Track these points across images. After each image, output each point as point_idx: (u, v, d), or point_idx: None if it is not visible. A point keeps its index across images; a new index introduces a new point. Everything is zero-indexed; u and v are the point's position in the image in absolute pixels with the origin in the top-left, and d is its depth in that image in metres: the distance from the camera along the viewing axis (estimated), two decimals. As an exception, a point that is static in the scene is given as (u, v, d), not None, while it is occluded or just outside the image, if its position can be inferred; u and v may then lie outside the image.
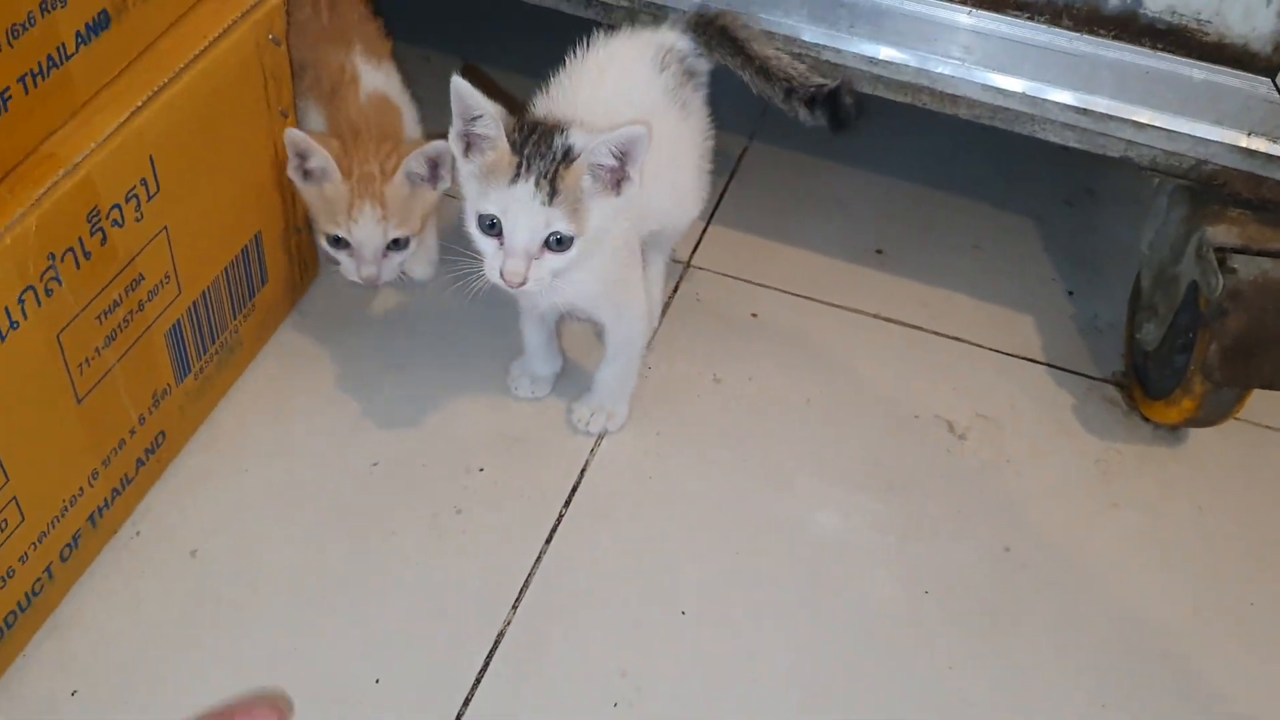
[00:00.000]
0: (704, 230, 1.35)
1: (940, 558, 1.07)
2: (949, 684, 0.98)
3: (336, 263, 1.11)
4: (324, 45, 1.14)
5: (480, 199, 0.92)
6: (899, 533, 1.08)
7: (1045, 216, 1.41)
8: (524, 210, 0.90)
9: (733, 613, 1.01)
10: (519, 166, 0.90)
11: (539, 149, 0.91)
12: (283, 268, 1.15)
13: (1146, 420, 1.19)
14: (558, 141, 0.91)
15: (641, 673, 0.96)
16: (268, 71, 1.02)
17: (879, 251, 1.35)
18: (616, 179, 0.92)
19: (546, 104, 1.02)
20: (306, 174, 1.07)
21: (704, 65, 1.10)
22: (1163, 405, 1.15)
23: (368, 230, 1.07)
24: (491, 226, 0.92)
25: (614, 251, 1.00)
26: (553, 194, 0.90)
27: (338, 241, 1.08)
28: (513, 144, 0.91)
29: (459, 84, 0.91)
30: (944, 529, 1.09)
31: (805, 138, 1.47)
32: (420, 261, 1.20)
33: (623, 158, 0.91)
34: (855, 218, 1.38)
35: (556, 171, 0.90)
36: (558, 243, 0.91)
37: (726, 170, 1.42)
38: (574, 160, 0.90)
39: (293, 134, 1.04)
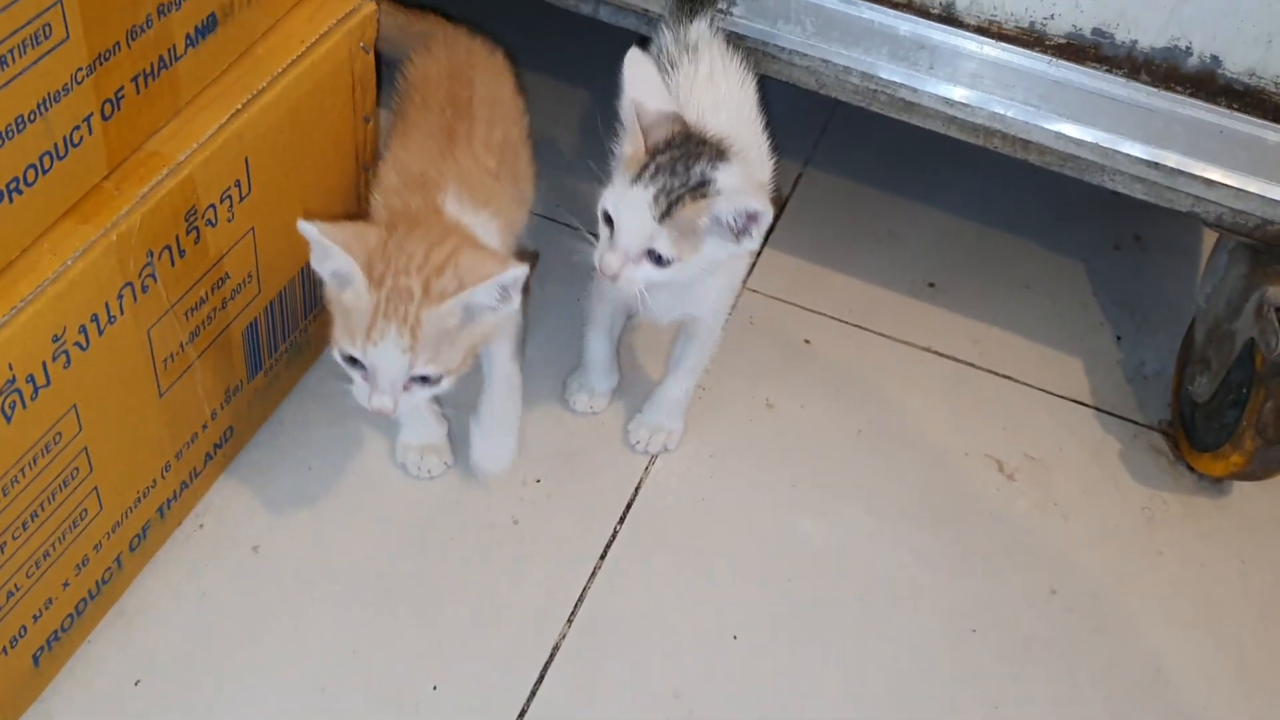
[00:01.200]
0: (759, 254, 1.36)
1: (987, 596, 1.08)
2: (994, 722, 1.00)
3: (348, 381, 0.90)
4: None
5: (607, 188, 0.91)
6: (947, 569, 1.10)
7: (1094, 260, 1.43)
8: (633, 215, 0.89)
9: (783, 640, 1.03)
10: (643, 169, 0.89)
11: (676, 164, 0.89)
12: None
13: (1192, 471, 1.20)
14: (698, 169, 0.89)
15: (694, 695, 0.98)
16: (357, 77, 1.03)
17: (931, 285, 1.36)
18: (737, 233, 0.91)
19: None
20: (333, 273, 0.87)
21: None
22: (1210, 458, 1.17)
23: (387, 357, 0.85)
24: (608, 219, 0.91)
25: (727, 275, 1.01)
26: (666, 215, 0.89)
27: (352, 360, 0.87)
28: (652, 147, 0.89)
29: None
30: (991, 567, 1.10)
31: (859, 167, 1.50)
32: (494, 443, 1.06)
33: (747, 226, 0.90)
34: (908, 249, 1.40)
35: (680, 198, 0.88)
36: (657, 259, 0.90)
37: (780, 196, 1.43)
38: (703, 198, 0.88)
39: (305, 228, 0.84)
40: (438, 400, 1.07)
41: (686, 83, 1.02)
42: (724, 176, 0.90)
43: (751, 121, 1.06)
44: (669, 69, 1.03)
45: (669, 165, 0.89)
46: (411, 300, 0.84)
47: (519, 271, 0.85)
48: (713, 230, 0.90)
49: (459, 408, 1.10)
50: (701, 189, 0.89)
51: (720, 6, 1.09)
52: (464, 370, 0.89)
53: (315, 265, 0.87)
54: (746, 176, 0.93)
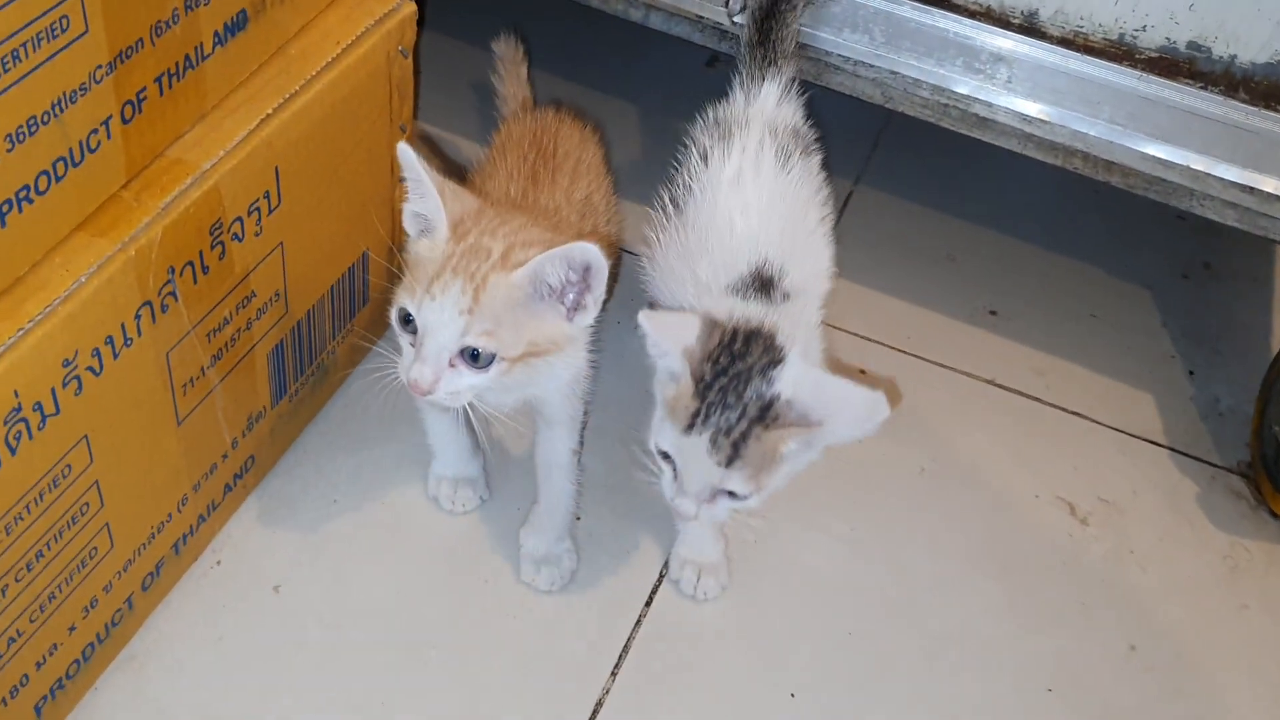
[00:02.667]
0: (809, 276, 1.29)
1: (1062, 653, 1.00)
2: (1074, 793, 0.92)
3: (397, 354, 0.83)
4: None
5: (656, 423, 0.81)
6: (1018, 622, 1.02)
7: (1161, 288, 1.35)
8: (696, 464, 0.78)
9: (843, 700, 0.95)
10: (694, 418, 0.77)
11: (727, 393, 0.77)
12: (383, 288, 1.08)
13: (1275, 517, 1.12)
14: (753, 389, 0.77)
15: (750, 755, 0.90)
16: (394, 84, 0.96)
17: (993, 313, 1.28)
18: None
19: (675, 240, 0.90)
20: (422, 227, 0.83)
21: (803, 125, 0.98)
22: (1296, 503, 1.09)
23: (441, 316, 0.77)
24: (665, 457, 0.81)
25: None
26: (734, 457, 0.77)
27: (407, 320, 0.80)
28: (698, 380, 0.77)
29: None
30: (1065, 621, 1.02)
31: (914, 185, 1.42)
32: (547, 548, 0.97)
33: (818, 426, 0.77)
34: (966, 273, 1.32)
35: (745, 435, 0.76)
36: (732, 494, 0.80)
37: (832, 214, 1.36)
38: (773, 425, 0.76)
39: (405, 153, 0.79)
40: (473, 430, 0.98)
41: (735, 181, 0.91)
42: (788, 386, 0.78)
43: (813, 231, 0.95)
44: (704, 156, 0.93)
45: (719, 400, 0.77)
46: (486, 260, 0.78)
47: (594, 259, 0.76)
48: (797, 452, 0.78)
49: (496, 444, 1.02)
50: (767, 417, 0.77)
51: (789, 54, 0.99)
52: (514, 367, 0.79)
53: (406, 220, 0.83)
54: (814, 372, 0.80)
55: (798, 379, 0.79)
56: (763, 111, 0.97)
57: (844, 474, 1.10)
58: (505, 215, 0.82)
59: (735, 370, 0.78)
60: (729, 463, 0.77)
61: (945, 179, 1.42)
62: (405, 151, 0.79)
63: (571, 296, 0.79)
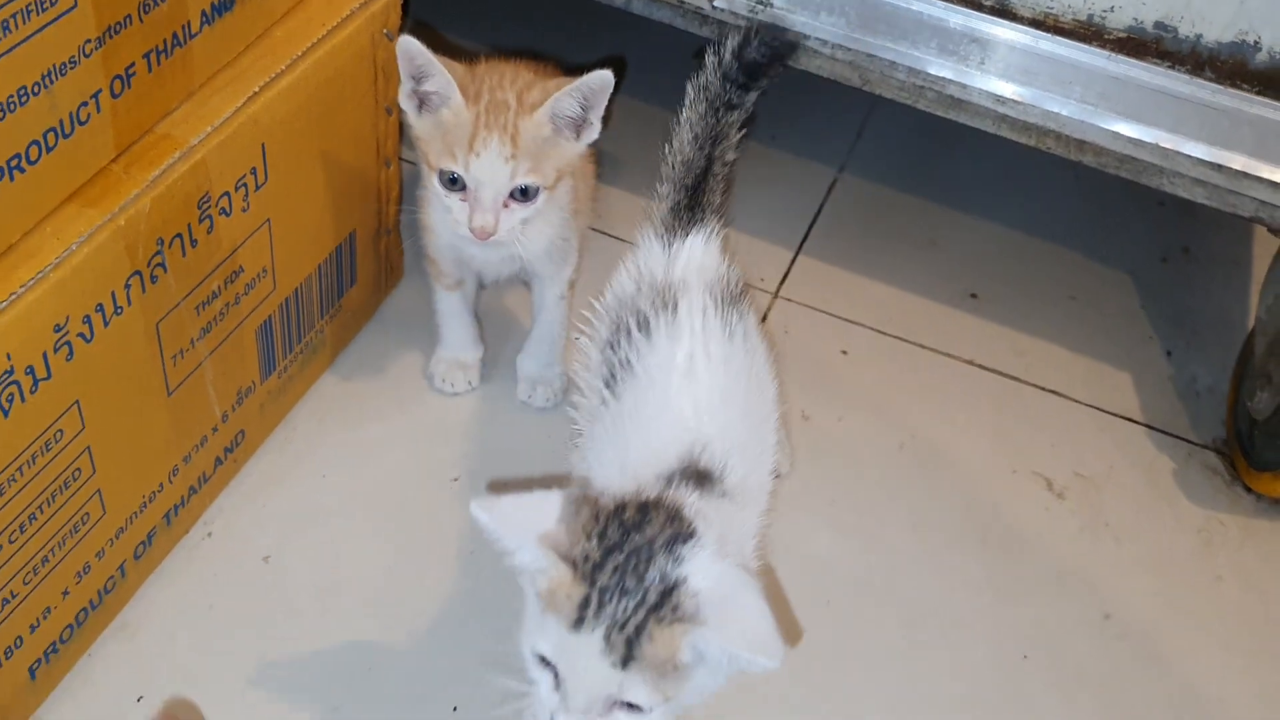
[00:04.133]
0: (792, 261, 1.31)
1: (1038, 622, 1.02)
2: (1047, 756, 0.94)
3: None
4: None
5: (535, 635, 0.67)
6: (995, 593, 1.04)
7: (1140, 272, 1.37)
8: (583, 668, 0.64)
9: (825, 665, 0.97)
10: (582, 608, 0.63)
11: (624, 574, 0.63)
12: (371, 269, 1.11)
13: (1250, 492, 1.14)
14: (656, 570, 0.63)
15: (739, 713, 0.92)
16: (379, 66, 0.99)
17: (973, 295, 1.30)
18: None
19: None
20: (422, 102, 0.91)
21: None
22: (1270, 477, 1.10)
23: (491, 168, 0.88)
24: (544, 663, 0.66)
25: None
26: (629, 658, 0.63)
27: (453, 181, 0.90)
28: (581, 562, 0.64)
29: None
30: (1042, 592, 1.04)
31: (897, 172, 1.44)
32: (539, 372, 1.10)
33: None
34: (947, 258, 1.34)
35: (643, 627, 0.62)
36: (631, 706, 0.65)
37: (816, 201, 1.38)
38: (675, 621, 0.62)
39: (407, 43, 0.87)
40: (478, 321, 1.13)
41: (685, 364, 0.79)
42: (699, 573, 0.65)
43: (765, 418, 0.85)
44: (644, 326, 0.82)
45: (616, 584, 0.63)
46: (509, 110, 0.88)
47: (602, 77, 0.87)
48: (700, 662, 0.64)
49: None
50: (664, 606, 0.63)
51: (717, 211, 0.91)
52: (555, 192, 0.93)
53: (403, 100, 0.90)
54: (734, 571, 0.66)
55: (712, 571, 0.65)
56: (697, 267, 0.86)
57: (825, 450, 1.12)
58: (494, 70, 0.92)
59: (633, 545, 0.65)
60: (625, 663, 0.63)
61: (928, 167, 1.44)
62: (409, 41, 0.87)
63: (582, 116, 0.90)
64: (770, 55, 0.93)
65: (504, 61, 0.95)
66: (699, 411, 0.77)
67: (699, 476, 0.74)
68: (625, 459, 0.77)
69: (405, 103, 0.91)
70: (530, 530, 0.65)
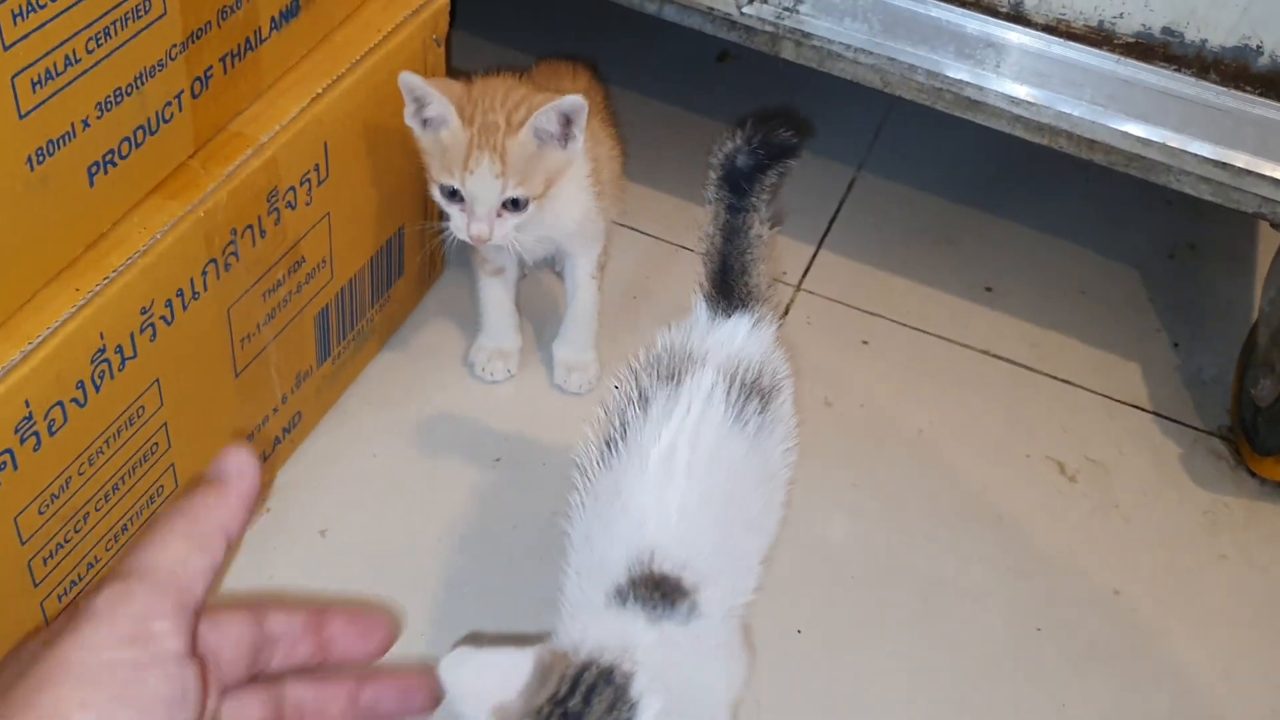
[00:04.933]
0: (814, 255, 1.37)
1: (1050, 596, 1.07)
2: (1060, 720, 0.99)
3: (446, 219, 1.00)
4: None
5: None
6: (1009, 569, 1.09)
7: (1148, 267, 1.42)
8: None
9: (847, 637, 1.02)
10: None
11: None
12: (417, 263, 1.17)
13: (1254, 476, 1.19)
14: None
15: (758, 688, 0.97)
16: (429, 69, 1.05)
17: (988, 289, 1.36)
18: None
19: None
20: (425, 121, 0.99)
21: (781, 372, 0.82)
22: (1273, 462, 1.16)
23: (483, 184, 0.97)
24: None
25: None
26: None
27: (452, 194, 0.99)
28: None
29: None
30: (1054, 568, 1.10)
31: (914, 172, 1.50)
32: (575, 357, 1.17)
33: None
34: (963, 253, 1.40)
35: None
36: None
37: (836, 198, 1.44)
38: None
39: (407, 78, 0.96)
40: (518, 310, 1.19)
41: (667, 452, 0.72)
42: None
43: (754, 535, 0.77)
44: (643, 400, 0.75)
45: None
46: (498, 132, 0.96)
47: (574, 100, 0.95)
48: None
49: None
50: None
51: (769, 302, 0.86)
52: (543, 202, 1.00)
53: (408, 119, 0.98)
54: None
55: None
56: (728, 347, 0.80)
57: (848, 433, 1.18)
58: (489, 89, 0.99)
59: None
60: None
61: (944, 166, 1.50)
62: (409, 77, 0.95)
63: (563, 133, 0.98)
64: (758, 164, 0.85)
65: (501, 79, 1.02)
66: (664, 511, 0.69)
67: (657, 590, 0.67)
68: (584, 566, 0.72)
69: (410, 121, 0.99)
70: (487, 700, 0.61)
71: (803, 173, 1.45)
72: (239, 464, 0.48)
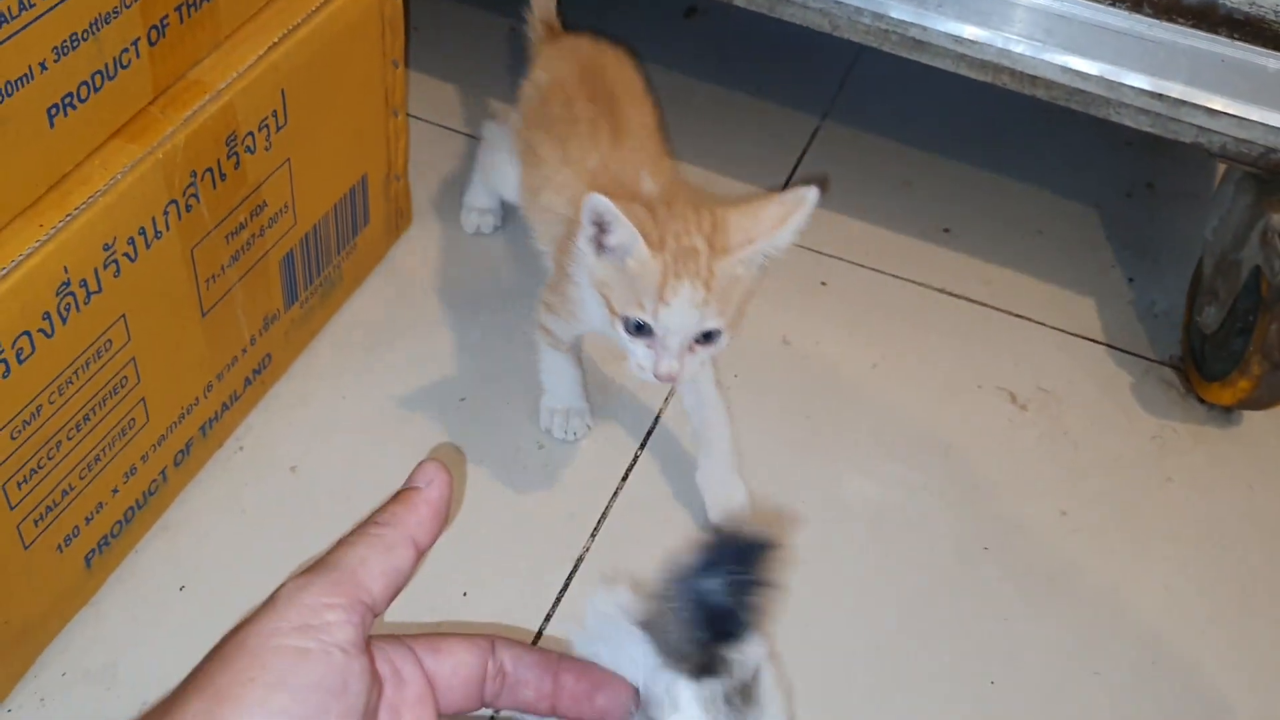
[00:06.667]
0: (777, 202, 1.40)
1: (998, 519, 1.11)
2: (1006, 635, 1.03)
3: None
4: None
5: None
6: (959, 494, 1.13)
7: (1106, 206, 1.45)
8: None
9: (799, 559, 1.06)
10: None
11: None
12: (382, 212, 1.21)
13: (1202, 402, 1.23)
14: None
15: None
16: (386, 20, 1.08)
17: (946, 230, 1.39)
18: None
19: None
20: (601, 247, 0.88)
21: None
22: (1218, 387, 1.19)
23: (682, 315, 0.86)
24: None
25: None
26: None
27: (639, 328, 0.88)
28: None
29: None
30: (1002, 492, 1.13)
31: (876, 120, 1.53)
32: (726, 486, 1.06)
33: None
34: (923, 197, 1.43)
35: None
36: None
37: (800, 147, 1.47)
38: None
39: (596, 201, 0.84)
40: (582, 366, 1.13)
41: None
42: None
43: None
44: None
45: None
46: (699, 258, 0.86)
47: (809, 196, 0.87)
48: None
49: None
50: None
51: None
52: (736, 328, 0.90)
53: (583, 243, 0.88)
54: None
55: None
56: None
57: (804, 371, 1.22)
58: (675, 210, 0.89)
59: None
60: None
61: (907, 113, 1.53)
62: (599, 200, 0.84)
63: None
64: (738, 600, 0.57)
65: (683, 201, 0.92)
66: None
67: None
68: None
69: (584, 246, 0.89)
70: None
71: (768, 123, 1.49)
72: (428, 475, 0.51)
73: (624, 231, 0.85)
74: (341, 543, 0.48)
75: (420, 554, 0.50)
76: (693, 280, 0.85)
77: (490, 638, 0.51)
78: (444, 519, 0.51)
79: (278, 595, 0.45)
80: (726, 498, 1.06)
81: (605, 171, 0.99)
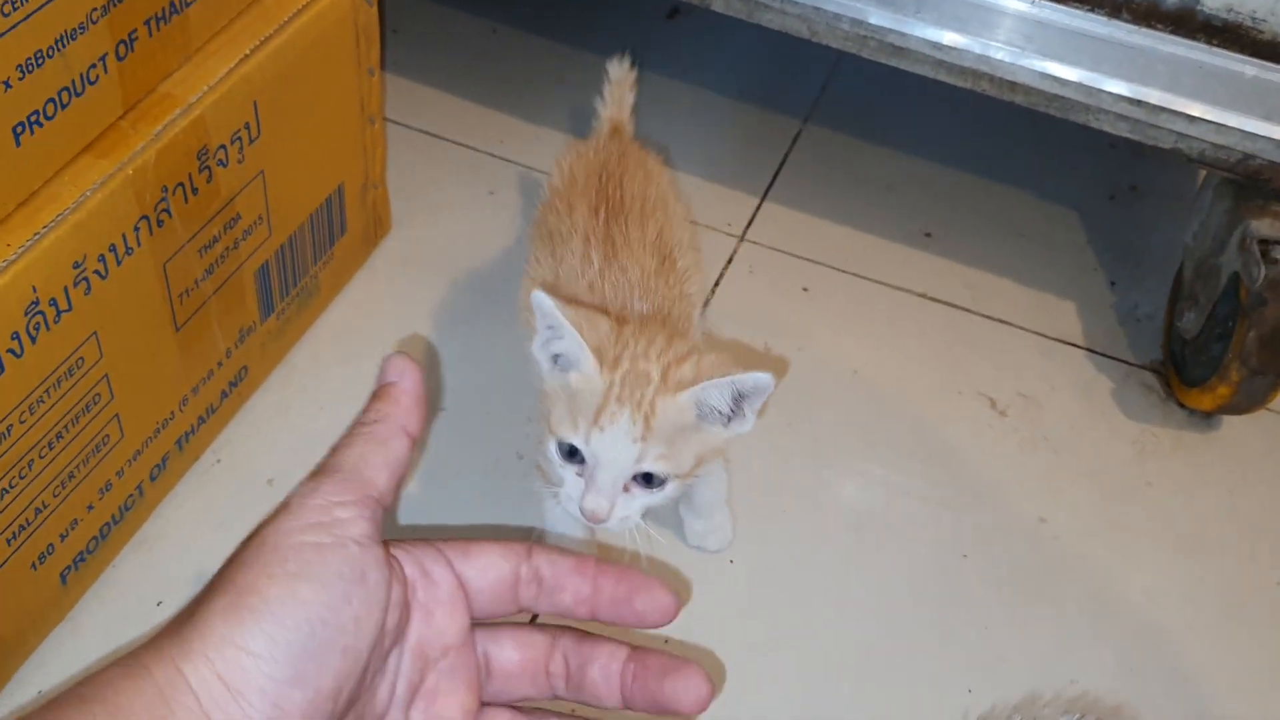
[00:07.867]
0: (758, 207, 1.40)
1: (978, 525, 1.11)
2: (985, 643, 1.03)
3: (557, 486, 0.81)
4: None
5: None
6: (939, 500, 1.13)
7: (1089, 210, 1.45)
8: None
9: (778, 565, 1.06)
10: None
11: None
12: (360, 220, 1.20)
13: (1182, 406, 1.23)
14: None
15: (690, 613, 1.01)
16: (360, 30, 1.07)
17: (927, 235, 1.39)
18: None
19: None
20: (555, 357, 0.81)
21: None
22: (1198, 392, 1.19)
23: (615, 447, 0.76)
24: None
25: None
26: None
27: (571, 453, 0.78)
28: None
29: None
30: (982, 499, 1.13)
31: (857, 123, 1.53)
32: (711, 523, 1.04)
33: None
34: (905, 201, 1.43)
35: None
36: None
37: (781, 151, 1.47)
38: None
39: (540, 299, 0.77)
40: None
41: None
42: None
43: None
44: None
45: None
46: (648, 385, 0.76)
47: (761, 378, 0.76)
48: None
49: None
50: None
51: None
52: (688, 481, 0.80)
53: (535, 349, 0.80)
54: None
55: None
56: None
57: (784, 376, 1.22)
58: (643, 331, 0.81)
59: None
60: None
61: (889, 118, 1.53)
62: (542, 299, 0.77)
63: (732, 413, 0.80)
64: None
65: (660, 324, 0.86)
66: None
67: None
68: None
69: (537, 353, 0.81)
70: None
71: (749, 126, 1.49)
72: (398, 368, 0.53)
73: (570, 340, 0.77)
74: (339, 446, 0.51)
75: (413, 441, 0.52)
76: (634, 410, 0.75)
77: (527, 544, 0.53)
78: (425, 404, 0.53)
79: (289, 501, 0.48)
80: (710, 530, 1.05)
81: (591, 292, 0.91)
